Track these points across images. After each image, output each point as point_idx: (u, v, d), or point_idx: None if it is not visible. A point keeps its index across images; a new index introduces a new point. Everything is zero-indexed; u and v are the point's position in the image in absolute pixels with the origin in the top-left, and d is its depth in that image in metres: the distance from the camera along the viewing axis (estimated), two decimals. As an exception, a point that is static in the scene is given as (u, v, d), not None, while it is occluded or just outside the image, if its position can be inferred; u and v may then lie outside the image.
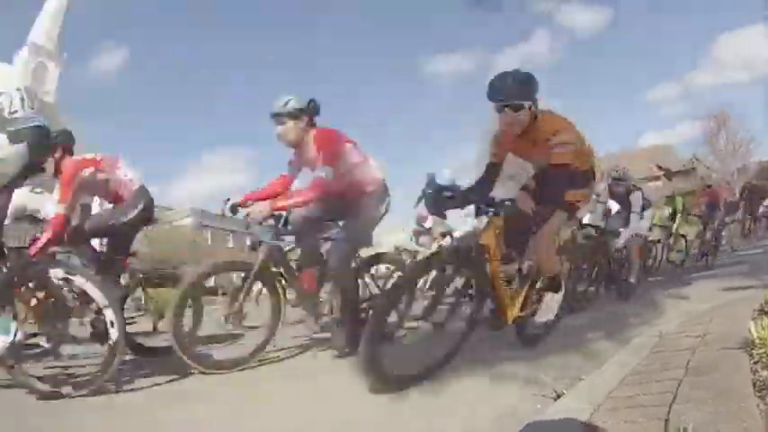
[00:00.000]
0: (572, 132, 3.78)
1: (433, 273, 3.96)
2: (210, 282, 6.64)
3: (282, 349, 5.32)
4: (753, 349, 2.49)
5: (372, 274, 6.00)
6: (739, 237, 16.67)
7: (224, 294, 6.19)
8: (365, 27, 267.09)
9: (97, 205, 6.07)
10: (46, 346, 4.03)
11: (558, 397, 2.57)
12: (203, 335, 5.48)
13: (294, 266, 4.97)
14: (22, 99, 4.39)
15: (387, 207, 5.01)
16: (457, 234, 9.34)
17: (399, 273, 6.23)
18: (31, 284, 3.96)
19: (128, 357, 4.78)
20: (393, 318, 3.71)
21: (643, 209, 8.41)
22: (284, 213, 4.45)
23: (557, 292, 4.19)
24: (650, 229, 10.32)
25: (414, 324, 3.79)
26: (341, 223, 5.13)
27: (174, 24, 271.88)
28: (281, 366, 4.66)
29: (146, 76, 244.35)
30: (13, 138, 4.16)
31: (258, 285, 5.03)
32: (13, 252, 5.08)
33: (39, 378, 3.57)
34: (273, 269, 4.68)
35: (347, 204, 4.81)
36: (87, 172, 4.89)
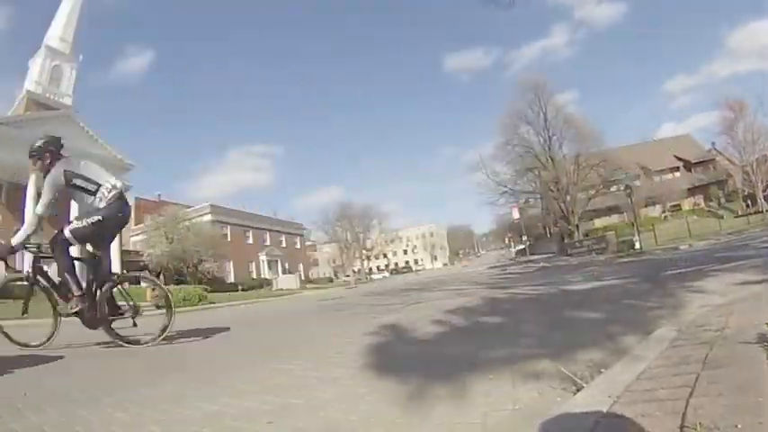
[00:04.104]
0: None
1: None
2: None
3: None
4: (770, 344, 2.51)
5: None
6: None
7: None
8: (386, 25, 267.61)
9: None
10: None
11: (578, 390, 2.61)
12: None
13: None
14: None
15: None
16: None
17: None
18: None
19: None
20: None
21: None
22: None
23: None
24: None
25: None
26: None
27: (195, 25, 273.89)
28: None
29: (168, 77, 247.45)
30: None
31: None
32: None
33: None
34: None
35: None
36: None
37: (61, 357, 6.30)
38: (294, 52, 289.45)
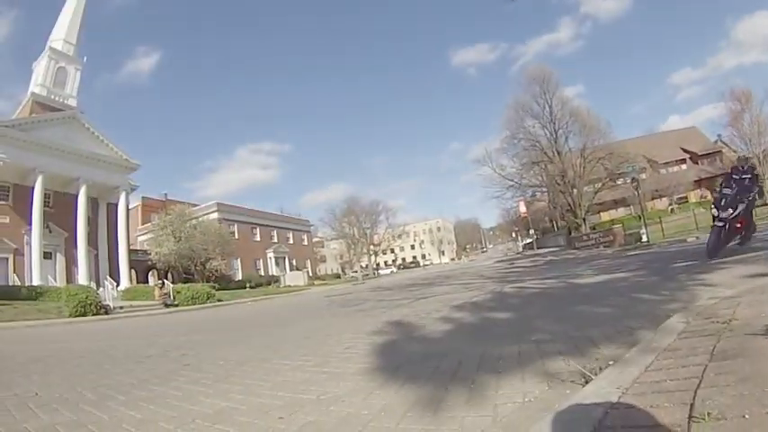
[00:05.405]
0: None
1: None
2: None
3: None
4: (777, 335, 2.52)
5: None
6: None
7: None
8: (393, 21, 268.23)
9: None
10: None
11: (587, 382, 2.62)
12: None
13: None
14: None
15: None
16: None
17: None
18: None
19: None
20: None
21: None
22: None
23: None
24: None
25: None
26: None
27: (202, 25, 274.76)
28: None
29: (175, 77, 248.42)
30: None
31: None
32: None
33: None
34: None
35: None
36: None
37: (72, 358, 6.37)
38: (298, 51, 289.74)
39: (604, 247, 32.96)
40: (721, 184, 10.77)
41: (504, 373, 3.26)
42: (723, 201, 10.16)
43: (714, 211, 10.35)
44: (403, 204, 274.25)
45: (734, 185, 10.20)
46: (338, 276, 79.68)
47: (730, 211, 9.96)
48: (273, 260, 61.91)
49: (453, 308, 8.12)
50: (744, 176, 10.33)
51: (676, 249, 16.84)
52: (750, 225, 10.86)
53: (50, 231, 34.10)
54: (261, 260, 60.10)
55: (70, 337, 11.18)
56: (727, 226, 10.08)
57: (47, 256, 33.21)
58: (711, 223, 10.63)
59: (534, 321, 5.55)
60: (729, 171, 10.96)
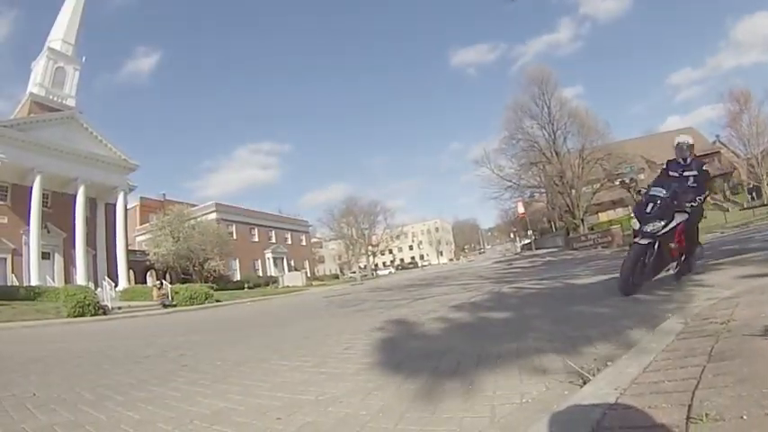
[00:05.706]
0: None
1: None
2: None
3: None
4: (775, 335, 2.51)
5: None
6: None
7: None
8: (393, 21, 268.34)
9: None
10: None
11: (585, 383, 2.62)
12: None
13: None
14: None
15: None
16: None
17: None
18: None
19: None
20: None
21: None
22: None
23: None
24: None
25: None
26: None
27: (202, 24, 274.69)
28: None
29: (174, 77, 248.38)
30: None
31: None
32: None
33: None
34: None
35: None
36: None
37: (70, 358, 6.36)
38: (298, 51, 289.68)
39: (602, 247, 33.04)
40: (651, 183, 7.38)
41: (502, 374, 3.26)
42: (651, 207, 6.57)
43: (635, 222, 6.85)
44: (403, 204, 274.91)
45: (671, 184, 6.78)
46: (336, 277, 79.74)
47: (661, 223, 6.42)
48: (272, 261, 61.89)
49: (451, 308, 8.12)
50: (686, 173, 7.24)
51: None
52: (693, 246, 7.39)
53: (49, 231, 34.06)
54: (259, 261, 60.06)
55: (68, 338, 11.17)
56: (656, 244, 6.54)
57: (45, 256, 33.16)
58: (631, 240, 7.03)
59: (532, 321, 5.55)
60: (665, 165, 7.68)
